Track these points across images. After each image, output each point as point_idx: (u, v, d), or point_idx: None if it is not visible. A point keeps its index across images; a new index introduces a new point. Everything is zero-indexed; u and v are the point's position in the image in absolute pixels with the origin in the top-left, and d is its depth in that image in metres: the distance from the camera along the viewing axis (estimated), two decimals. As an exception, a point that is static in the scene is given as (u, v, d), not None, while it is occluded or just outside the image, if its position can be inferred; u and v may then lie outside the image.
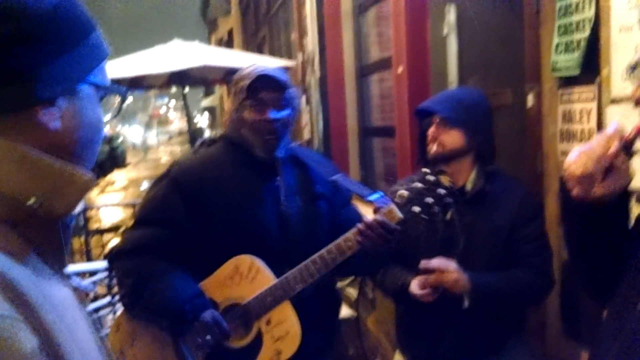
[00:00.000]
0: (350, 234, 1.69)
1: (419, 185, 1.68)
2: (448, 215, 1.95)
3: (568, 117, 2.45)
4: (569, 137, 2.45)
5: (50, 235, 0.73)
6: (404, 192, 1.70)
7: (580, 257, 1.14)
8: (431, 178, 1.68)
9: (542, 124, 2.71)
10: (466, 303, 1.84)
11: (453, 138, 1.91)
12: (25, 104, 0.68)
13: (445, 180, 1.73)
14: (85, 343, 0.71)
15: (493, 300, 1.87)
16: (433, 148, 1.93)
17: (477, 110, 1.94)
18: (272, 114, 1.74)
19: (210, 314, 1.65)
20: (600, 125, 2.15)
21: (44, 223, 0.71)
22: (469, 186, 1.98)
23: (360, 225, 1.67)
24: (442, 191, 1.67)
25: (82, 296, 0.81)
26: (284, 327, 1.69)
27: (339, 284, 4.27)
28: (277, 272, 1.72)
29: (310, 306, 1.74)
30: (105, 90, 0.79)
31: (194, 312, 1.64)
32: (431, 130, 1.93)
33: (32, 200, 0.68)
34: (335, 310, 2.03)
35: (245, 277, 1.71)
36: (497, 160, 2.17)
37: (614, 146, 0.95)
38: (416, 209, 1.67)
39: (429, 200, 1.67)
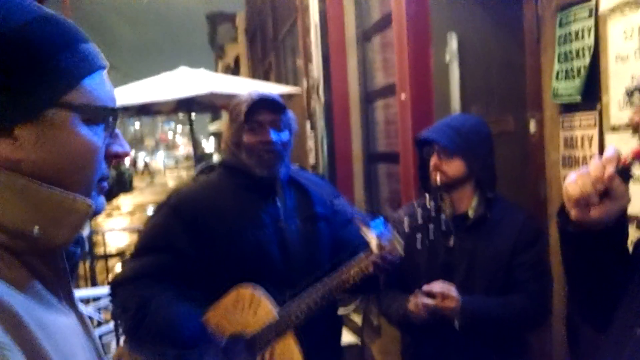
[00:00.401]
0: (354, 269, 1.67)
1: (420, 212, 1.69)
2: (450, 242, 1.96)
3: (570, 144, 2.46)
4: (571, 163, 2.46)
5: (54, 263, 0.74)
6: (405, 220, 1.72)
7: (578, 282, 1.14)
8: (432, 205, 1.70)
9: (544, 150, 2.73)
10: (456, 324, 1.84)
11: (454, 167, 1.94)
12: None
13: (445, 206, 1.75)
14: None
15: (484, 323, 1.86)
16: (436, 177, 1.94)
17: (476, 138, 1.96)
18: (272, 135, 1.76)
19: (212, 347, 1.65)
20: (601, 152, 2.17)
21: (47, 251, 0.72)
22: (470, 212, 1.99)
23: (364, 260, 1.66)
24: (442, 218, 1.69)
25: (89, 323, 0.81)
26: (287, 358, 1.68)
27: (343, 311, 4.25)
28: (279, 294, 1.71)
29: (312, 332, 1.73)
30: (84, 112, 0.72)
31: (195, 343, 1.64)
32: (433, 160, 1.96)
33: (35, 230, 0.69)
34: (337, 336, 2.02)
35: (247, 308, 1.70)
36: (500, 187, 2.18)
37: (610, 169, 0.97)
38: (417, 236, 1.69)
39: (430, 227, 1.68)
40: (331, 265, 1.74)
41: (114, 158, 0.79)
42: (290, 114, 1.84)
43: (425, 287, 1.84)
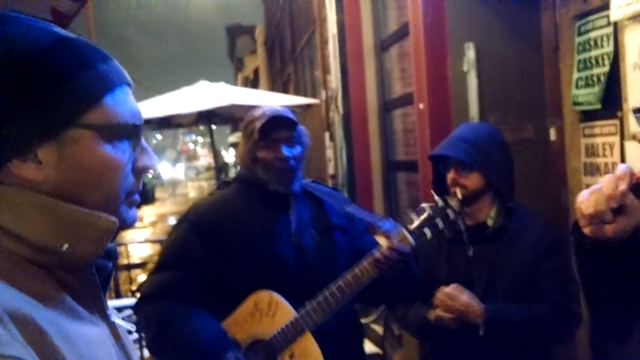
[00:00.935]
0: (366, 262, 1.72)
1: (428, 209, 1.71)
2: (470, 252, 1.96)
3: (591, 151, 2.44)
4: (592, 170, 2.45)
5: (83, 276, 0.77)
6: (414, 217, 1.73)
7: (596, 295, 1.14)
8: (440, 202, 1.71)
9: (565, 157, 2.71)
10: (480, 332, 1.85)
11: (473, 180, 1.93)
12: None
13: (453, 202, 1.75)
14: None
15: (508, 330, 1.86)
16: (455, 191, 1.94)
17: (491, 149, 1.95)
18: (285, 151, 1.80)
19: (233, 356, 1.67)
20: (623, 159, 2.15)
21: (76, 266, 0.75)
22: (489, 222, 1.99)
23: (375, 253, 1.71)
24: (451, 214, 1.70)
25: (124, 333, 0.83)
26: (307, 358, 1.71)
27: (365, 320, 4.24)
28: (297, 305, 1.74)
29: (333, 340, 1.75)
30: (105, 130, 0.74)
31: (217, 354, 1.66)
32: (450, 175, 1.95)
33: (64, 247, 0.71)
34: (358, 345, 2.02)
35: (266, 313, 1.74)
36: (521, 195, 2.17)
37: (622, 186, 0.97)
38: (427, 232, 1.70)
39: (439, 223, 1.70)
40: None
41: (143, 172, 0.81)
42: (302, 129, 1.88)
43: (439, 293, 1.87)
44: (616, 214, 0.99)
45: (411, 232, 1.73)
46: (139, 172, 0.80)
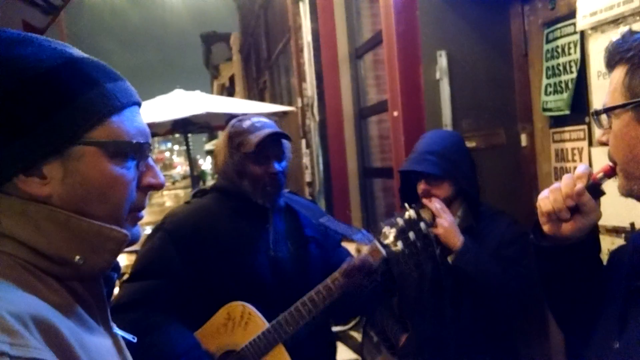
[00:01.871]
0: (337, 273, 1.73)
1: (401, 221, 1.72)
2: (438, 251, 1.99)
3: (561, 156, 2.50)
4: (562, 175, 2.49)
5: (94, 288, 0.79)
6: (387, 230, 1.75)
7: (555, 295, 1.16)
8: (412, 214, 1.73)
9: (536, 162, 2.76)
10: (450, 259, 1.90)
11: (443, 189, 2.00)
12: (3, 177, 0.71)
13: (425, 214, 1.78)
14: None
15: (475, 269, 1.88)
16: (428, 203, 1.99)
17: (458, 157, 2.01)
18: (276, 167, 1.81)
19: None
20: (591, 164, 2.20)
21: (88, 277, 0.77)
22: (457, 222, 2.04)
23: (344, 265, 1.72)
24: (423, 226, 1.72)
25: (123, 344, 0.86)
26: None
27: (343, 328, 4.24)
28: (271, 316, 1.74)
29: (306, 351, 1.75)
30: (110, 147, 0.76)
31: None
32: (422, 187, 2.00)
33: (77, 258, 0.74)
34: (331, 352, 2.03)
35: (238, 323, 1.73)
36: (494, 200, 2.21)
37: (579, 186, 1.00)
38: (399, 244, 1.72)
39: (411, 235, 1.71)
40: None
41: (149, 189, 0.83)
42: (287, 143, 1.88)
43: (425, 201, 1.95)
44: (573, 214, 1.02)
45: (383, 245, 1.74)
46: (144, 188, 0.82)
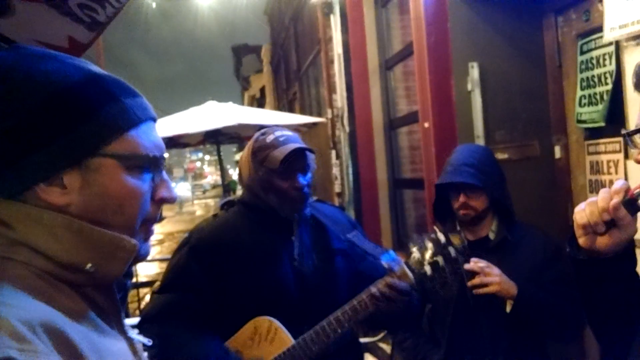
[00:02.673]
0: (364, 295, 1.73)
1: (430, 245, 1.73)
2: (466, 277, 2.01)
3: (596, 168, 2.46)
4: (598, 187, 2.46)
5: (107, 294, 0.82)
6: (415, 252, 1.75)
7: (593, 308, 1.15)
8: (442, 239, 1.73)
9: (571, 175, 2.73)
10: (508, 308, 1.91)
11: (481, 201, 2.03)
12: (24, 185, 0.74)
13: (456, 240, 1.78)
14: None
15: (533, 311, 1.92)
16: (469, 213, 2.03)
17: (491, 169, 2.05)
18: (301, 181, 1.82)
19: None
20: (627, 176, 2.16)
21: (101, 284, 0.80)
22: (491, 236, 2.08)
23: (372, 289, 1.72)
24: (452, 251, 1.72)
25: (139, 348, 0.87)
26: None
27: (372, 339, 4.23)
28: (297, 330, 1.75)
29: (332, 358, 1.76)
30: (127, 160, 0.79)
31: None
32: (461, 200, 2.03)
33: (89, 266, 0.76)
34: None
35: (265, 338, 1.75)
36: (528, 212, 2.21)
37: (615, 200, 1.00)
38: (427, 269, 1.72)
39: (440, 260, 1.72)
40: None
41: (162, 202, 0.86)
42: (311, 155, 1.90)
43: (468, 266, 1.92)
44: (610, 228, 1.01)
45: (411, 269, 1.73)
46: (157, 201, 0.85)
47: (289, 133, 1.89)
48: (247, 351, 1.76)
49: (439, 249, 1.73)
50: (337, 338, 1.73)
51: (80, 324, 0.73)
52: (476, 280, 1.91)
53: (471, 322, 2.01)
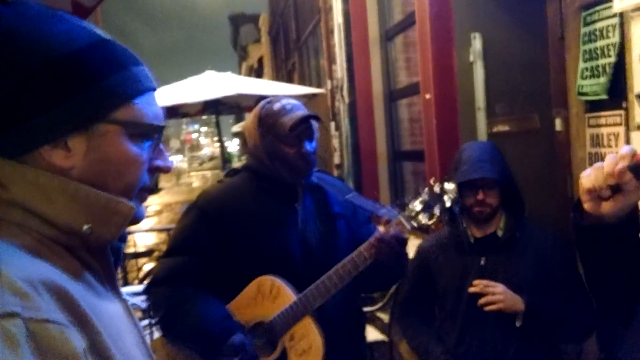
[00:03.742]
0: (363, 248, 1.77)
1: (426, 196, 1.74)
2: (482, 262, 2.03)
3: (596, 141, 2.47)
4: (598, 160, 2.46)
5: (102, 257, 0.82)
6: (412, 204, 1.76)
7: (596, 277, 1.17)
8: (437, 188, 1.75)
9: (571, 147, 2.73)
10: (518, 323, 1.93)
11: (495, 197, 2.04)
12: (29, 146, 0.74)
13: (450, 189, 1.78)
14: (131, 350, 0.79)
15: (544, 322, 1.93)
16: (484, 210, 2.04)
17: (505, 164, 2.05)
18: (308, 147, 1.84)
19: (239, 338, 1.72)
20: (628, 149, 2.17)
21: (95, 247, 0.80)
22: (499, 233, 2.08)
23: (372, 240, 1.76)
24: (448, 200, 1.74)
25: (132, 311, 0.88)
26: (307, 341, 1.76)
27: (370, 308, 4.29)
28: (300, 292, 1.79)
29: (335, 325, 1.81)
30: (132, 127, 0.79)
31: (223, 335, 1.72)
32: (479, 197, 2.03)
33: (84, 228, 0.76)
34: (360, 330, 2.08)
35: (268, 296, 1.80)
36: (527, 185, 2.22)
37: (621, 165, 1.01)
38: (424, 218, 1.74)
39: (436, 210, 1.74)
40: None
41: (157, 171, 0.86)
42: (314, 122, 1.91)
43: (471, 289, 1.95)
44: (615, 193, 1.03)
45: (408, 219, 1.76)
46: (153, 170, 0.85)
47: (294, 101, 1.90)
48: (251, 310, 1.80)
49: (434, 197, 1.75)
50: (338, 290, 1.76)
51: (77, 283, 0.74)
52: (482, 301, 1.92)
53: (481, 325, 2.02)
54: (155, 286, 1.86)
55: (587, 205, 1.06)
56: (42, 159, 0.75)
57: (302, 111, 1.85)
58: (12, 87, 0.72)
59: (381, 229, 1.79)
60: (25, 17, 0.74)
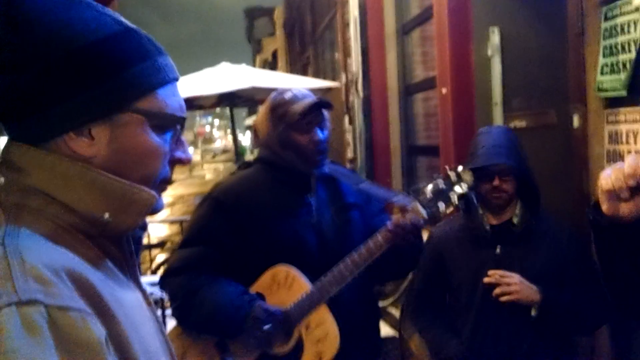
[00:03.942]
0: (379, 234, 1.77)
1: (441, 183, 1.73)
2: (498, 251, 2.02)
3: (614, 138, 2.44)
4: (615, 157, 2.44)
5: (122, 245, 0.83)
6: (427, 191, 1.75)
7: (613, 274, 1.17)
8: (453, 175, 1.73)
9: (588, 144, 2.71)
10: (533, 313, 1.92)
11: (511, 184, 2.02)
12: (52, 134, 0.74)
13: (466, 176, 1.76)
14: (149, 339, 0.80)
15: (559, 314, 1.92)
16: (501, 196, 2.01)
17: (521, 151, 2.03)
18: (319, 134, 1.85)
19: (261, 306, 1.74)
20: (647, 146, 2.15)
21: (116, 235, 0.81)
22: (515, 220, 2.06)
23: (389, 225, 1.75)
24: (464, 187, 1.73)
25: (151, 300, 0.89)
26: (323, 329, 1.77)
27: (382, 304, 4.30)
28: (315, 281, 1.79)
29: (350, 315, 1.81)
30: (155, 118, 0.79)
31: (243, 308, 1.73)
32: (495, 184, 2.00)
33: (106, 216, 0.76)
34: (375, 322, 2.08)
35: (283, 285, 1.81)
36: (543, 181, 2.20)
37: None
38: (440, 205, 1.73)
39: (452, 196, 1.73)
40: None
41: (177, 163, 0.87)
42: (325, 112, 1.91)
43: (487, 279, 1.94)
44: (634, 194, 1.02)
45: (424, 205, 1.75)
46: (173, 162, 0.86)
47: (305, 91, 1.91)
48: (267, 299, 1.81)
49: (450, 184, 1.74)
50: (353, 278, 1.76)
51: (98, 271, 0.75)
52: (497, 291, 1.91)
53: (495, 318, 2.01)
54: (171, 276, 1.88)
55: (605, 207, 1.05)
56: (67, 147, 0.75)
57: (312, 98, 1.85)
58: (35, 74, 0.72)
59: (396, 215, 1.79)
60: (51, 2, 0.75)
